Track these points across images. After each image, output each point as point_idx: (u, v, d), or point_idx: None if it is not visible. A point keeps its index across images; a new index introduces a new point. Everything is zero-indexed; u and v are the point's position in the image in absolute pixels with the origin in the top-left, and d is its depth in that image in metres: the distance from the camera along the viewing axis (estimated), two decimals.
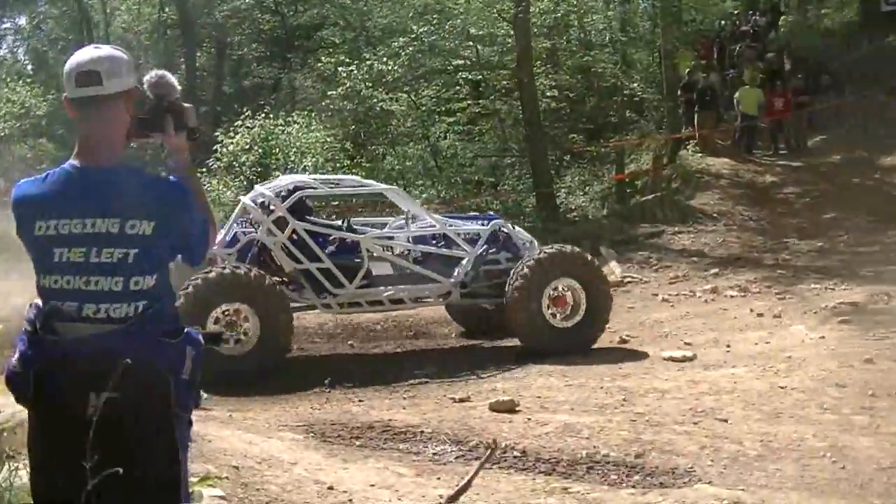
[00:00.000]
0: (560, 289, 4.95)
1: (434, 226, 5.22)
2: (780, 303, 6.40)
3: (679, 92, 13.38)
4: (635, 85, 14.85)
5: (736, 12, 21.05)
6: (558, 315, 4.97)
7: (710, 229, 9.85)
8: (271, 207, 4.95)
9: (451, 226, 5.23)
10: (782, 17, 20.26)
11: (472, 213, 6.68)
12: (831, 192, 11.04)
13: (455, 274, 5.12)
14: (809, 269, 7.66)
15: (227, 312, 4.38)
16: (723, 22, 21.11)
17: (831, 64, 16.30)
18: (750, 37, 18.23)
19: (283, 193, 4.99)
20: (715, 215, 10.39)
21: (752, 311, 6.17)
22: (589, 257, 5.21)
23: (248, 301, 4.38)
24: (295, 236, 4.88)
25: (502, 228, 5.38)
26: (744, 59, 16.44)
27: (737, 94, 13.47)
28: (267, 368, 4.30)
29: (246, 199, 5.15)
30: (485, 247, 5.22)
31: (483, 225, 5.39)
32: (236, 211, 5.27)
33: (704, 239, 9.52)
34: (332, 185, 5.54)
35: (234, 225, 5.07)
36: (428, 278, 5.09)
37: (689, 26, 19.84)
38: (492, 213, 7.10)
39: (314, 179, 5.50)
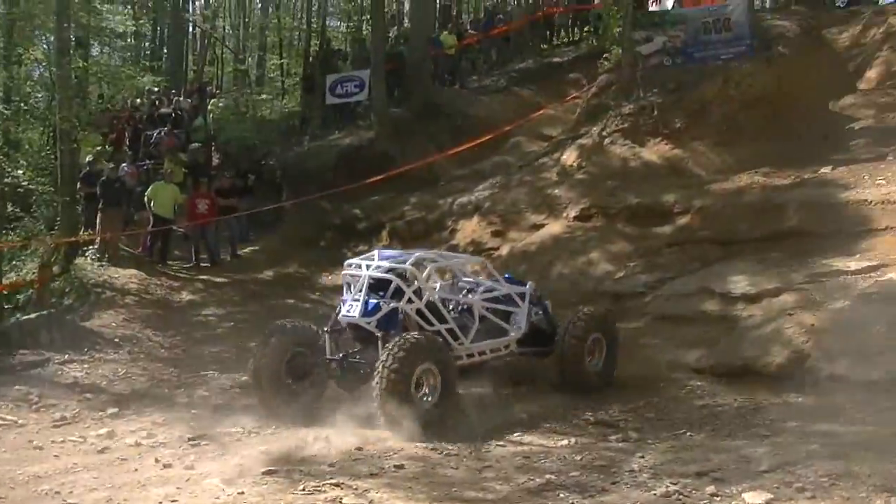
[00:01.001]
0: (592, 340, 12.86)
1: (500, 287, 12.95)
2: (193, 450, 10.23)
3: (78, 184, 19.42)
4: (21, 172, 20.68)
5: (156, 89, 32.01)
6: (593, 360, 12.91)
7: (109, 358, 14.61)
8: (409, 278, 11.96)
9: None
10: (212, 101, 31.05)
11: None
12: (261, 315, 17.52)
13: (515, 328, 12.69)
14: (232, 407, 12.14)
15: (423, 370, 11.00)
16: (139, 100, 31.21)
17: (269, 160, 26.58)
18: (171, 121, 27.59)
19: (409, 264, 12.09)
20: (117, 340, 15.49)
21: (157, 461, 9.69)
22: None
23: (434, 361, 11.11)
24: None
25: (536, 291, 13.31)
26: (163, 147, 24.95)
27: (149, 191, 20.14)
28: (445, 415, 11.02)
29: (375, 272, 11.94)
30: (530, 305, 12.94)
31: (513, 283, 13.26)
32: (363, 282, 11.88)
33: (102, 370, 14.01)
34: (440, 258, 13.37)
35: (365, 295, 11.79)
36: (503, 332, 12.60)
37: (96, 103, 28.82)
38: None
39: (434, 253, 13.67)
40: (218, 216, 21.12)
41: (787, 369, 12.09)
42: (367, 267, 12.13)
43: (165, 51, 41.92)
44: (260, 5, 44.72)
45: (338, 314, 12.17)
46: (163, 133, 26.16)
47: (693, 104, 19.04)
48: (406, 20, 36.08)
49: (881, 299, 12.06)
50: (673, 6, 22.76)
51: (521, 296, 13.02)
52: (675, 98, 19.22)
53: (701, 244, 15.75)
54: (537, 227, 18.30)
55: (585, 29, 32.47)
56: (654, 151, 18.72)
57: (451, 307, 12.53)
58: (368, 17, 33.67)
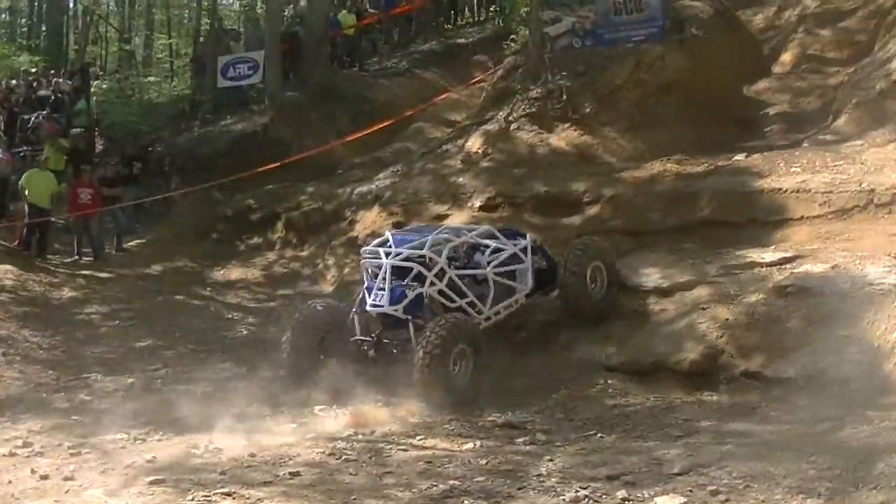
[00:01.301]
0: (593, 269, 14.07)
1: (506, 247, 14.00)
2: (73, 460, 9.94)
3: None
4: None
5: (34, 70, 31.33)
6: (595, 288, 14.12)
7: None
8: (430, 264, 13.12)
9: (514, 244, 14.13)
10: (95, 83, 30.60)
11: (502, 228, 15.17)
12: (149, 313, 17.56)
13: (523, 285, 13.95)
14: (116, 413, 11.82)
15: (459, 351, 12.24)
16: (14, 82, 30.37)
17: (157, 146, 26.25)
18: (51, 105, 26.90)
19: (428, 250, 13.14)
20: None
21: (34, 472, 9.41)
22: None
23: (468, 342, 12.40)
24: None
25: (536, 241, 14.89)
26: (41, 133, 24.48)
27: (22, 179, 19.81)
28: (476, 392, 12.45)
29: (396, 261, 13.08)
30: (533, 256, 14.23)
31: (513, 237, 14.44)
32: (386, 270, 13.02)
33: None
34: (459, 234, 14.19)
35: (389, 283, 12.96)
36: (513, 290, 13.84)
37: None
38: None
39: (447, 230, 14.30)
40: (102, 207, 20.72)
41: (701, 366, 12.24)
42: (387, 255, 13.32)
43: (44, 28, 41.07)
44: None
45: (363, 299, 13.32)
46: (41, 117, 25.71)
47: (603, 88, 19.15)
48: None
49: (797, 292, 12.23)
50: None
51: (524, 250, 14.29)
52: (585, 82, 19.31)
53: (611, 235, 15.76)
54: (441, 217, 18.18)
55: (491, 8, 32.59)
56: (563, 138, 18.77)
57: (467, 280, 13.72)
58: None
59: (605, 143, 18.46)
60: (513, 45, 22.61)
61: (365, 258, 13.71)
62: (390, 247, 13.51)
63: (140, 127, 26.86)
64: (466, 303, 13.42)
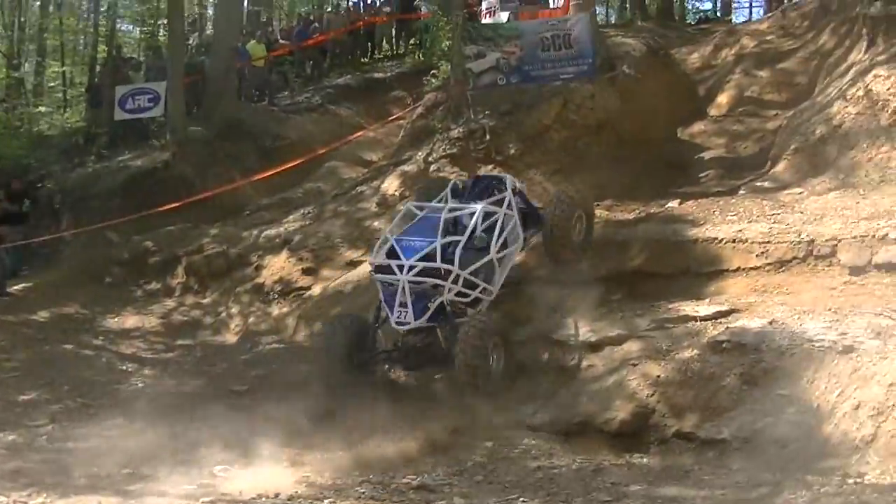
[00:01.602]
0: (576, 216, 15.76)
1: (498, 214, 14.95)
2: None
3: None
4: None
5: None
6: (576, 232, 15.74)
7: None
8: (445, 274, 14.00)
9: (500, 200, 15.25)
10: None
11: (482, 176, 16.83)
12: (34, 363, 17.11)
13: (516, 241, 15.21)
14: None
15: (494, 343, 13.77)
16: None
17: (47, 182, 25.95)
18: None
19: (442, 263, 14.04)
20: None
21: None
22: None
23: (499, 335, 14.07)
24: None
25: (516, 184, 15.95)
26: None
27: None
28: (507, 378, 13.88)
29: (412, 277, 13.88)
30: (520, 203, 15.68)
31: (496, 183, 15.73)
32: (404, 288, 13.87)
33: None
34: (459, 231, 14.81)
35: (410, 298, 13.94)
36: (513, 254, 15.28)
37: None
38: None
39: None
40: None
41: (631, 426, 12.22)
42: (400, 268, 14.20)
43: None
44: (39, 3, 43.39)
45: (382, 314, 14.57)
46: None
47: (529, 128, 19.28)
48: (209, 26, 35.75)
49: (732, 348, 12.28)
50: (508, 19, 23.05)
51: (510, 203, 15.45)
52: (510, 121, 19.44)
53: (538, 285, 15.77)
54: (354, 264, 18.15)
55: (411, 41, 32.78)
56: None
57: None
58: (165, 21, 33.05)
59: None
60: (433, 80, 22.70)
61: (377, 275, 14.57)
62: (399, 257, 14.45)
63: (29, 161, 26.43)
64: (479, 292, 14.74)
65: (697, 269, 14.66)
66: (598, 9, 34.83)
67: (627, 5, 42.68)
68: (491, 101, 19.81)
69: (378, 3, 37.53)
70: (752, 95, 22.83)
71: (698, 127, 21.54)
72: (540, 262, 16.32)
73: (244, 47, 28.91)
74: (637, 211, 16.73)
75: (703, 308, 13.52)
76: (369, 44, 34.27)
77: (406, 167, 20.05)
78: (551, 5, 24.55)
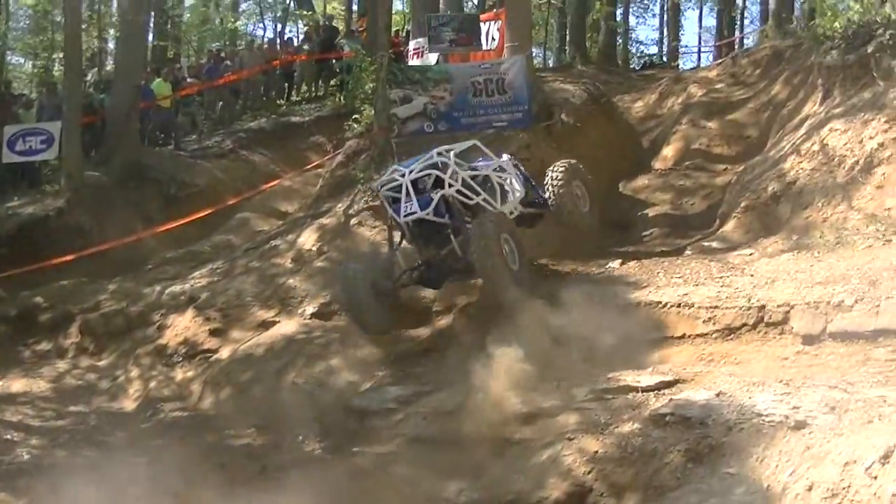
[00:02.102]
0: (576, 187, 17.85)
1: (491, 161, 17.61)
2: None
3: None
4: None
5: None
6: (582, 203, 17.78)
7: None
8: (443, 168, 16.35)
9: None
10: None
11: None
12: None
13: (517, 189, 17.54)
14: None
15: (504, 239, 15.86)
16: None
17: None
18: None
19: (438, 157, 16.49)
20: None
21: None
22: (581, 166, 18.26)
23: (508, 232, 16.16)
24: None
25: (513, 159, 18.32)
26: None
27: None
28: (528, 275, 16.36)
29: (414, 175, 16.17)
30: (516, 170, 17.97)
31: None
32: (407, 186, 16.02)
33: None
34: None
35: (414, 196, 16.10)
36: (513, 192, 17.48)
37: None
38: None
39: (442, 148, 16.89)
40: None
41: None
42: (402, 175, 16.43)
43: None
44: None
45: (396, 230, 17.00)
46: None
47: None
48: (109, 61, 35.65)
49: (677, 422, 12.33)
50: (437, 61, 23.20)
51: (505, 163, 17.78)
52: None
53: (464, 350, 15.81)
54: (266, 325, 18.12)
55: (332, 83, 32.85)
56: None
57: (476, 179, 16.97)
58: (61, 55, 32.96)
59: None
60: (355, 126, 22.79)
61: (383, 190, 16.69)
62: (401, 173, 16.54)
63: None
64: (482, 199, 16.71)
65: (639, 335, 14.73)
66: (534, 51, 35.18)
67: (567, 48, 43.19)
68: (417, 149, 19.86)
69: (297, 41, 37.69)
70: (700, 148, 23.17)
71: (642, 181, 21.80)
72: (464, 327, 16.40)
73: (148, 85, 28.80)
74: (576, 271, 16.83)
75: (646, 378, 13.57)
76: (286, 84, 34.37)
77: (324, 220, 20.07)
78: (484, 47, 24.74)
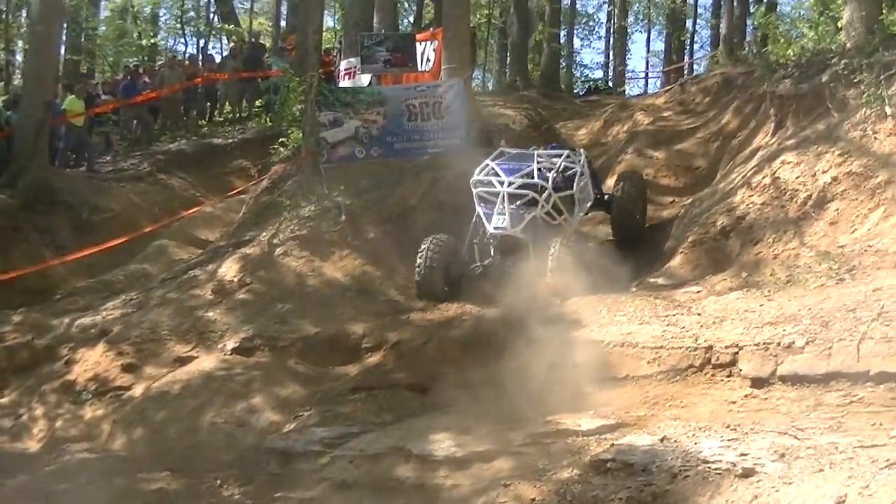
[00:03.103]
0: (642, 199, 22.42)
1: (574, 166, 20.20)
2: None
3: None
4: None
5: None
6: (638, 213, 22.02)
7: None
8: (541, 190, 19.19)
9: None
10: None
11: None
12: None
13: (587, 194, 20.34)
14: None
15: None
16: None
17: None
18: None
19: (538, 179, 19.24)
20: None
21: None
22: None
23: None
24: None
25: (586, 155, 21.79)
26: None
27: None
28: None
29: (511, 189, 18.83)
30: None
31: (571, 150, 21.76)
32: (503, 197, 18.78)
33: None
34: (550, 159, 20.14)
35: (509, 207, 18.80)
36: (586, 201, 20.37)
37: None
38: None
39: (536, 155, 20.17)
40: None
41: None
42: (501, 184, 18.79)
43: None
44: None
45: (478, 227, 19.00)
46: None
47: (392, 208, 19.48)
48: (17, 76, 35.43)
49: (619, 469, 12.38)
50: (370, 82, 23.25)
51: (582, 165, 20.19)
52: (370, 200, 19.61)
53: (396, 390, 15.85)
54: (183, 360, 18.01)
55: (257, 103, 32.78)
56: (340, 267, 18.94)
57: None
58: None
59: (391, 276, 18.65)
60: (282, 150, 22.82)
61: (479, 187, 19.03)
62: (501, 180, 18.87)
63: None
64: (563, 219, 19.21)
65: (581, 376, 14.78)
66: (473, 73, 35.33)
67: (507, 71, 43.37)
68: (348, 175, 19.99)
69: (220, 57, 37.63)
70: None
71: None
72: (396, 365, 16.43)
73: (59, 102, 28.63)
74: (513, 307, 16.88)
75: (586, 421, 13.65)
76: (209, 104, 34.33)
77: (247, 249, 20.05)
78: (420, 68, 24.83)
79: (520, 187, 18.95)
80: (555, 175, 19.29)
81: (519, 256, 18.27)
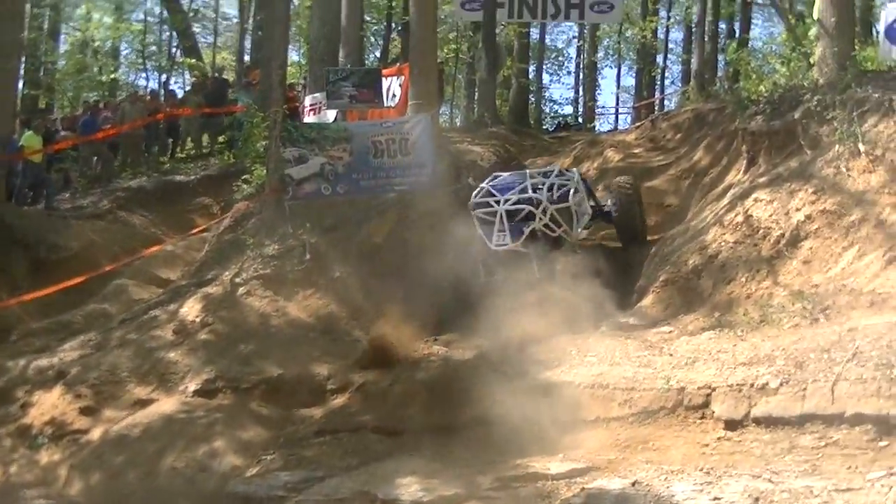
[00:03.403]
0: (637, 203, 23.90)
1: (569, 183, 21.90)
2: None
3: None
4: None
5: None
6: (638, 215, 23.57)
7: None
8: (537, 204, 20.92)
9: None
10: None
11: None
12: None
13: (586, 208, 22.18)
14: None
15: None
16: None
17: None
18: None
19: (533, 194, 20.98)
20: None
21: None
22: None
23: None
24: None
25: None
26: None
27: None
28: None
29: (509, 207, 20.43)
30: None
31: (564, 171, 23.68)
32: (502, 215, 20.27)
33: None
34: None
35: (508, 224, 20.42)
36: (584, 214, 22.10)
37: None
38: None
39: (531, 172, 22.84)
40: None
41: None
42: (498, 202, 20.27)
43: None
44: None
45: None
46: None
47: (358, 247, 19.44)
48: None
49: None
50: (336, 118, 23.25)
51: (577, 182, 21.73)
52: (335, 238, 19.59)
53: (361, 433, 15.80)
54: (143, 403, 17.93)
55: (220, 139, 32.72)
56: (305, 307, 18.91)
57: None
58: None
59: (357, 317, 18.60)
60: (245, 187, 22.77)
61: (477, 210, 20.36)
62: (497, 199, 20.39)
63: None
64: (562, 231, 20.64)
65: (550, 418, 14.76)
66: (441, 108, 35.38)
67: (475, 106, 43.42)
68: (313, 213, 19.93)
69: (183, 92, 37.58)
70: None
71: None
72: (361, 407, 16.38)
73: (17, 138, 28.52)
74: (481, 349, 16.86)
75: (556, 465, 13.64)
76: (170, 140, 34.22)
77: (210, 289, 20.00)
78: (386, 104, 24.86)
79: (515, 203, 20.45)
80: (547, 190, 20.76)
81: (524, 270, 19.07)
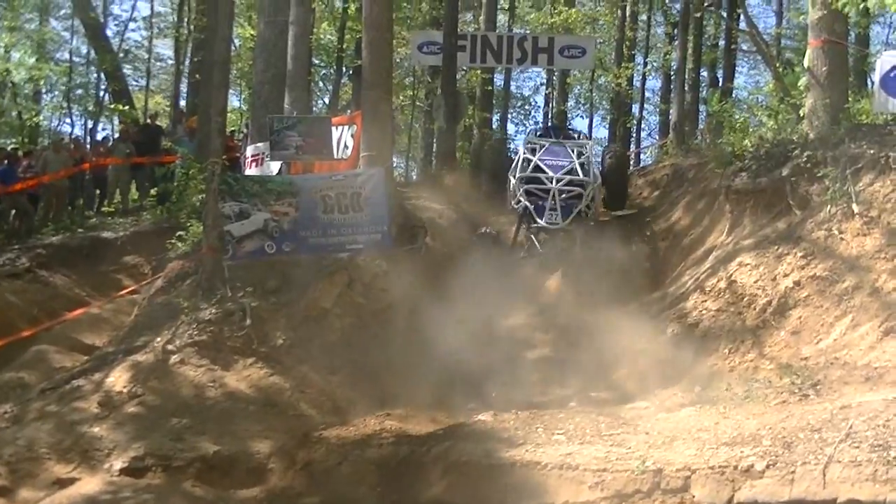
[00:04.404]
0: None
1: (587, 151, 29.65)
2: None
3: None
4: None
5: None
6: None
7: None
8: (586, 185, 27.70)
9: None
10: None
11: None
12: None
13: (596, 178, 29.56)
14: None
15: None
16: None
17: None
18: None
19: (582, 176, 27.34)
20: None
21: None
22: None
23: None
24: None
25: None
26: None
27: None
28: None
29: (562, 186, 25.98)
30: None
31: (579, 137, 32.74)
32: (554, 194, 25.87)
33: None
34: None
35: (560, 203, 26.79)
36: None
37: None
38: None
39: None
40: None
41: None
42: (551, 181, 24.89)
43: None
44: None
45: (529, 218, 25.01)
46: None
47: (303, 311, 19.43)
48: None
49: None
50: (280, 170, 23.28)
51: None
52: (279, 302, 19.56)
53: None
54: (63, 482, 17.76)
55: (152, 192, 32.68)
56: (244, 377, 18.85)
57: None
58: None
59: (301, 388, 18.60)
60: (180, 244, 22.75)
61: (529, 185, 25.52)
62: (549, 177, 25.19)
63: None
64: (592, 211, 25.19)
65: (515, 501, 14.77)
66: (395, 161, 35.53)
67: (433, 159, 43.50)
68: (255, 274, 19.93)
69: (112, 140, 37.47)
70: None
71: (520, 318, 21.97)
72: (307, 488, 16.36)
73: None
74: (437, 423, 16.88)
75: None
76: (97, 192, 34.14)
77: (139, 356, 19.90)
78: (336, 155, 24.88)
79: (567, 184, 25.13)
80: (582, 170, 25.27)
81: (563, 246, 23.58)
